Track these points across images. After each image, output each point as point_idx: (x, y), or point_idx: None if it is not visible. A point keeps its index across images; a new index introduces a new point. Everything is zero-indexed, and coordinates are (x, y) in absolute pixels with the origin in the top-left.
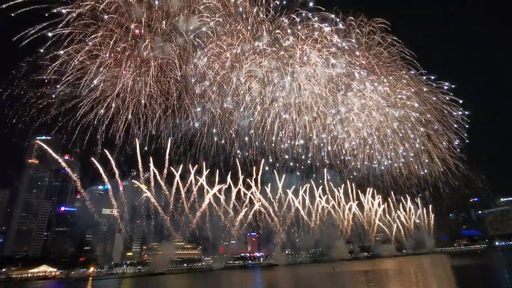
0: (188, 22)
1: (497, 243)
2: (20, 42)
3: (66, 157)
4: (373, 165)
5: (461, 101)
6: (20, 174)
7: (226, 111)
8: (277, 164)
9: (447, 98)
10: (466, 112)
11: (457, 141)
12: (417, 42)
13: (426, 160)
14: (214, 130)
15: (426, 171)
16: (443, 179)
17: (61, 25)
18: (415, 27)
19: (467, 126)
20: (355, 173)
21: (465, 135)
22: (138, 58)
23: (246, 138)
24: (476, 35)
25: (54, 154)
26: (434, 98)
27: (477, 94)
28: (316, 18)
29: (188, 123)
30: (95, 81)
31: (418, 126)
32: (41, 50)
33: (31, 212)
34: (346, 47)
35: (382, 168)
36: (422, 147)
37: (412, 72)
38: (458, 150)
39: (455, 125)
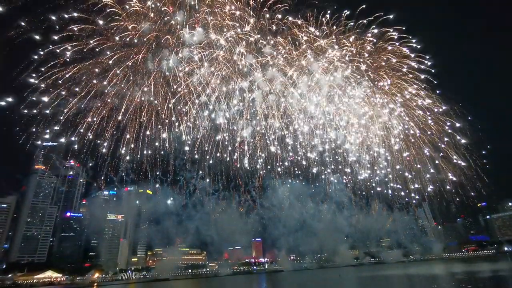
0: (192, 36)
1: (506, 248)
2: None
3: (72, 163)
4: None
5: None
6: (27, 179)
7: (229, 120)
8: (281, 172)
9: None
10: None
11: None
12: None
13: (437, 184)
14: (218, 138)
15: (438, 198)
16: (451, 186)
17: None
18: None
19: (484, 152)
20: (360, 181)
21: (484, 160)
22: (145, 72)
23: (248, 148)
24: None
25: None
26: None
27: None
28: (323, 27)
29: (193, 133)
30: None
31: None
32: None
33: (37, 217)
34: (350, 57)
35: (389, 191)
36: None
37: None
38: (475, 176)
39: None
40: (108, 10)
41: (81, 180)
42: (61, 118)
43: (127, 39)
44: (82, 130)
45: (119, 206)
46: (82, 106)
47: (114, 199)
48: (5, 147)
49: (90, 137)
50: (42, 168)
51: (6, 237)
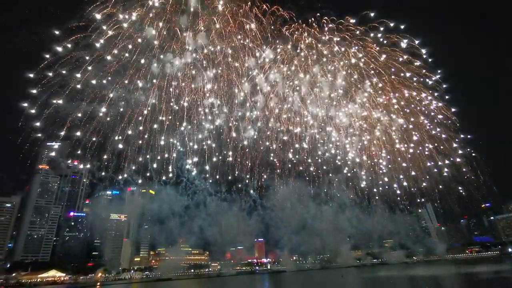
0: (196, 40)
1: (510, 250)
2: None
3: (76, 163)
4: (379, 181)
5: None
6: (31, 179)
7: (231, 123)
8: (282, 173)
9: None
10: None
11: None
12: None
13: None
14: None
15: (437, 193)
16: (454, 185)
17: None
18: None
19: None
20: (362, 184)
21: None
22: (148, 79)
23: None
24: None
25: None
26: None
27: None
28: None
29: (197, 136)
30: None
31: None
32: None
33: (41, 217)
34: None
35: (388, 186)
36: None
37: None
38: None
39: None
40: (112, 20)
41: (84, 180)
42: (67, 122)
43: (126, 56)
44: (87, 136)
45: (122, 206)
46: (88, 112)
47: (118, 199)
48: (9, 147)
49: (95, 144)
50: (46, 168)
51: (10, 237)
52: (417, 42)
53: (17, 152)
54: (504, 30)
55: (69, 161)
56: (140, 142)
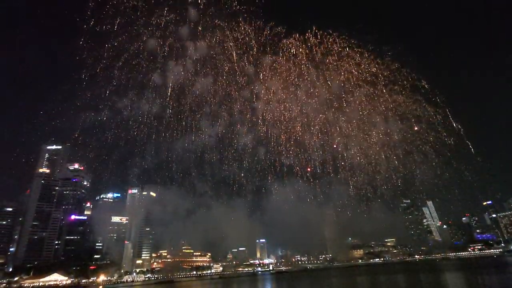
0: (196, 48)
1: None
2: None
3: (77, 166)
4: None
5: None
6: (31, 183)
7: (232, 129)
8: (283, 175)
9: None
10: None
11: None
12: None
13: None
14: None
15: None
16: (454, 182)
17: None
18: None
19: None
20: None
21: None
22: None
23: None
24: None
25: None
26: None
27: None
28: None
29: (198, 141)
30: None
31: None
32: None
33: (42, 221)
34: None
35: (388, 182)
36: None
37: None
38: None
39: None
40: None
41: (85, 183)
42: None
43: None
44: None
45: (124, 208)
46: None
47: (119, 201)
48: (10, 150)
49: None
50: (47, 171)
51: (12, 240)
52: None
53: (18, 155)
54: None
55: (70, 164)
56: (143, 146)
